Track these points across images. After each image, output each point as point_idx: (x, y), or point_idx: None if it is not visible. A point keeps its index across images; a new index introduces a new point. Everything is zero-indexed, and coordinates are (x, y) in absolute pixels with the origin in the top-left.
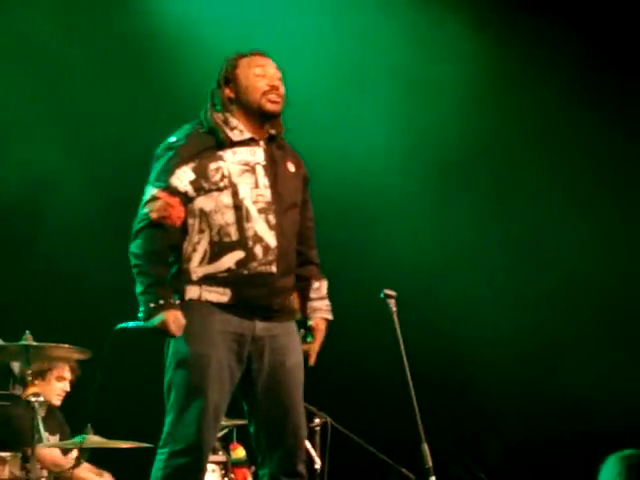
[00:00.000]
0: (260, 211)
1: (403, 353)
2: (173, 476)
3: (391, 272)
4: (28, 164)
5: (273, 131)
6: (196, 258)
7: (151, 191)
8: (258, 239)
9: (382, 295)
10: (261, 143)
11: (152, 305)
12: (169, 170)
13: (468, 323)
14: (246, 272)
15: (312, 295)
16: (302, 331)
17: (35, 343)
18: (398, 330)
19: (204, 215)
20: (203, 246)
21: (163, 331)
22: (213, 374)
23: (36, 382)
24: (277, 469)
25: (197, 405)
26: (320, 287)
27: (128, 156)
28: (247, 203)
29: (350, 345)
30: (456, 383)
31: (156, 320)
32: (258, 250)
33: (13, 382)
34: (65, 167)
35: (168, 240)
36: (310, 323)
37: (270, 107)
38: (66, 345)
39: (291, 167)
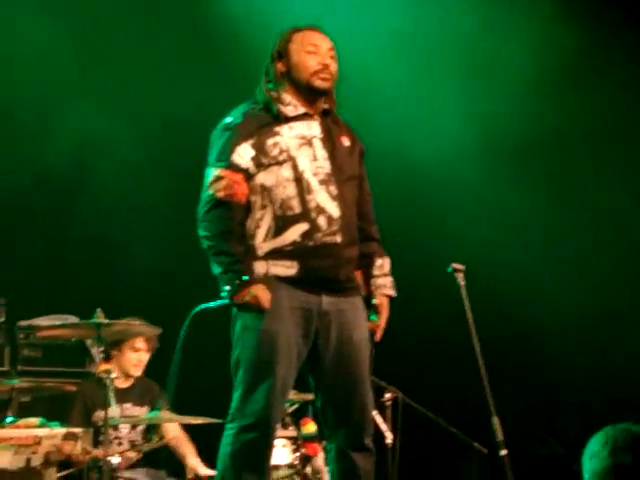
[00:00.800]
0: (321, 182)
1: (472, 326)
2: (241, 451)
3: (458, 247)
4: (77, 132)
5: (326, 106)
6: (260, 234)
7: (214, 172)
8: (321, 210)
9: (450, 269)
10: (316, 117)
11: (238, 282)
12: (229, 149)
13: (536, 296)
14: (311, 243)
15: (375, 272)
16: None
17: (106, 320)
18: (466, 303)
19: (265, 190)
20: (266, 221)
21: (253, 306)
22: (281, 349)
23: (112, 353)
24: (344, 443)
25: (265, 381)
26: (383, 264)
27: (178, 120)
28: (307, 175)
29: (419, 319)
30: (525, 355)
31: (246, 296)
32: (322, 221)
33: (89, 360)
34: (115, 134)
35: (238, 217)
36: (374, 301)
37: (319, 84)
38: (136, 322)
39: (346, 141)
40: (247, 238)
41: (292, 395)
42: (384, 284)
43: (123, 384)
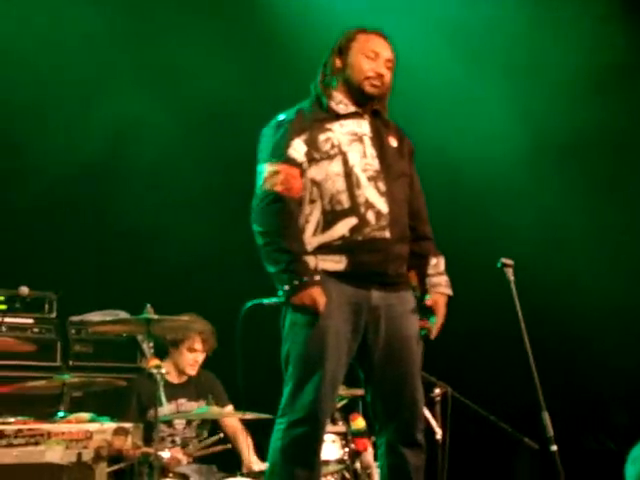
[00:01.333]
0: (370, 179)
1: (521, 321)
2: (292, 446)
3: (508, 243)
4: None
5: (377, 107)
6: (309, 229)
7: (269, 167)
8: (370, 205)
9: (499, 264)
10: (366, 116)
11: (296, 283)
12: (285, 143)
13: (584, 293)
14: (360, 238)
15: (430, 271)
16: (421, 307)
17: (156, 316)
18: (516, 299)
19: (315, 185)
20: (315, 216)
21: (310, 307)
22: (331, 344)
23: (170, 350)
24: (394, 438)
25: (315, 375)
26: (438, 263)
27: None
28: (357, 170)
29: (469, 314)
30: (575, 350)
31: (304, 298)
32: (370, 216)
33: (141, 356)
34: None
35: (296, 213)
36: (428, 299)
37: (369, 89)
38: (185, 317)
39: (393, 142)
40: None
41: (341, 390)
42: (439, 283)
43: (177, 379)
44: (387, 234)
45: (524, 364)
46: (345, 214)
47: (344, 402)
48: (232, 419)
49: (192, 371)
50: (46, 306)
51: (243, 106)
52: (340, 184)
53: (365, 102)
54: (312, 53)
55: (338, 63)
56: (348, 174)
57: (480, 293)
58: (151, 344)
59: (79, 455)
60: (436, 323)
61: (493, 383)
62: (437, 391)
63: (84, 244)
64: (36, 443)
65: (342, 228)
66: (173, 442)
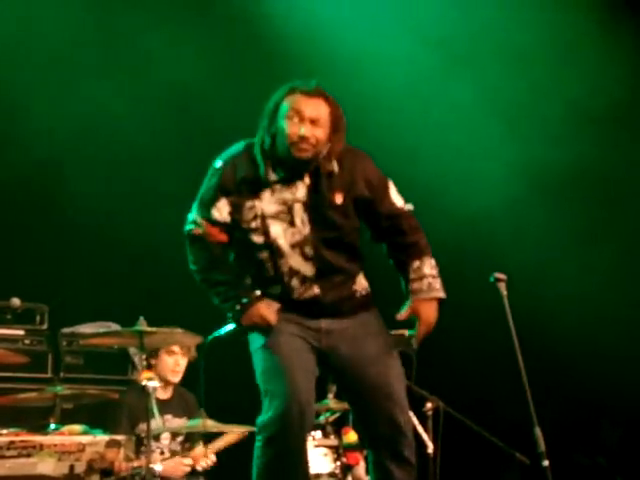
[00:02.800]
0: (294, 245)
1: (514, 336)
2: (270, 462)
3: (501, 259)
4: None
5: (317, 165)
6: (248, 278)
7: (194, 216)
8: (294, 272)
9: (492, 279)
10: (305, 177)
11: (238, 308)
12: (210, 201)
13: (579, 310)
14: (291, 298)
15: (411, 276)
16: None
17: (148, 328)
18: (508, 313)
19: (244, 248)
20: (249, 274)
21: (261, 324)
22: (286, 355)
23: (152, 362)
24: (379, 453)
25: (280, 391)
26: (420, 266)
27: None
28: (280, 242)
29: (462, 329)
30: (568, 366)
31: (252, 317)
32: (295, 282)
33: (132, 368)
34: None
35: (217, 247)
36: (400, 313)
37: (297, 154)
38: (179, 330)
39: (338, 198)
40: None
41: (332, 404)
42: (419, 288)
43: (163, 395)
44: (316, 291)
45: (516, 379)
46: (272, 281)
47: (336, 415)
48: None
49: (175, 377)
50: (37, 318)
51: (213, 98)
52: (265, 254)
53: (301, 166)
54: (282, 47)
55: (270, 124)
56: (269, 245)
57: (473, 307)
58: (143, 356)
59: (71, 467)
60: (418, 332)
61: (485, 398)
62: (429, 405)
63: (76, 256)
64: (28, 455)
65: (273, 291)
66: (162, 454)
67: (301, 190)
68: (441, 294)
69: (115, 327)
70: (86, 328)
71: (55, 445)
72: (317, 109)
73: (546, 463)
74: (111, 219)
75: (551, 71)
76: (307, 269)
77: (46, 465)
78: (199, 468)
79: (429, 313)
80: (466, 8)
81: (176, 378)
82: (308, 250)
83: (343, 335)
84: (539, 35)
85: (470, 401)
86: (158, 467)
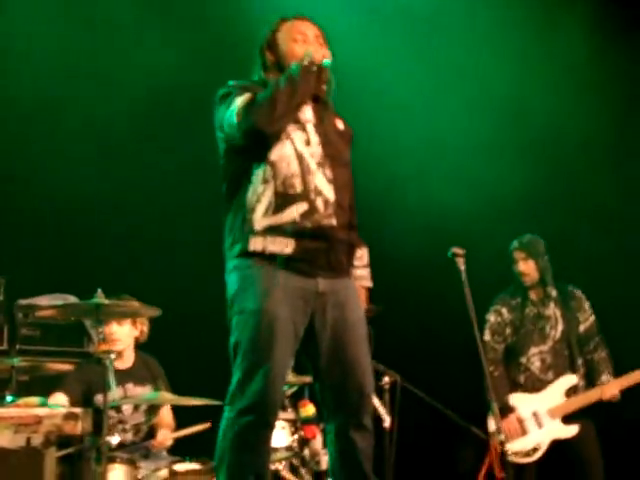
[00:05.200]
0: (318, 165)
1: (472, 311)
2: (240, 433)
3: (461, 233)
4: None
5: (324, 87)
6: (260, 209)
7: (237, 101)
8: (318, 192)
9: (450, 254)
10: (308, 102)
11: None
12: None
13: None
14: (309, 224)
15: (356, 263)
16: None
17: (106, 301)
18: (466, 288)
19: (269, 164)
20: (267, 196)
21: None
22: (279, 331)
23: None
24: (343, 423)
25: (263, 363)
26: (362, 255)
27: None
28: (306, 156)
29: (419, 303)
30: None
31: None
32: (319, 203)
33: (88, 341)
34: None
35: None
36: None
37: None
38: (136, 303)
39: (339, 124)
40: (246, 211)
41: (290, 377)
42: (362, 275)
43: (122, 365)
44: (334, 221)
45: (474, 354)
46: (297, 199)
47: (293, 389)
48: (167, 414)
49: (114, 347)
50: None
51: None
52: (294, 167)
53: None
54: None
55: (270, 57)
56: (300, 158)
57: (430, 282)
58: (100, 329)
59: (28, 440)
60: None
61: (443, 372)
62: (386, 379)
63: (33, 226)
64: None
65: (293, 212)
66: (124, 429)
67: (308, 112)
68: (372, 284)
69: (72, 299)
70: (43, 300)
71: (12, 417)
72: (316, 29)
73: (502, 437)
74: (70, 190)
75: None
76: (329, 192)
77: (3, 437)
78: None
79: (365, 299)
80: None
81: (115, 347)
82: (328, 172)
83: (333, 299)
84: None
85: (427, 375)
86: (115, 439)
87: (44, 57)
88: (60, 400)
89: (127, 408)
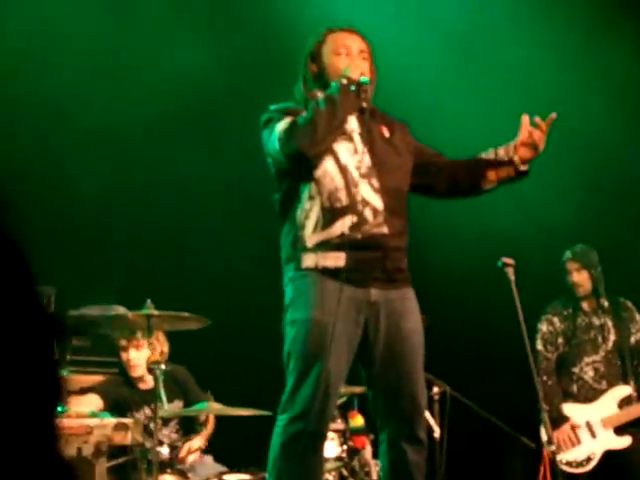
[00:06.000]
0: (363, 176)
1: (522, 321)
2: (291, 442)
3: (510, 242)
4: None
5: (364, 104)
6: (309, 225)
7: (280, 126)
8: (366, 203)
9: (500, 264)
10: (353, 113)
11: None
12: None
13: None
14: (360, 236)
15: (489, 156)
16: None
17: (156, 312)
18: (516, 298)
19: (313, 180)
20: (315, 212)
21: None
22: (330, 341)
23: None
24: (395, 434)
25: (314, 372)
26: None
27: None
28: (350, 168)
29: (469, 313)
30: None
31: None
32: (368, 213)
33: None
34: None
35: None
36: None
37: None
38: (186, 314)
39: (385, 132)
40: (297, 228)
41: None
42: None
43: (145, 386)
44: (385, 229)
45: (524, 364)
46: (344, 212)
47: (342, 400)
48: (211, 423)
49: (134, 373)
50: (44, 300)
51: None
52: (338, 181)
53: None
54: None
55: (314, 68)
56: (343, 171)
57: (481, 292)
58: (150, 340)
59: (79, 450)
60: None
61: (493, 382)
62: (436, 390)
63: (83, 239)
64: None
65: (342, 226)
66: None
67: (353, 122)
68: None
69: (122, 310)
70: (93, 311)
71: (62, 428)
72: (361, 43)
73: (552, 448)
74: (118, 202)
75: None
76: (377, 201)
77: None
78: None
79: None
80: None
81: (135, 373)
82: (374, 182)
83: (387, 309)
84: None
85: (477, 386)
86: (165, 450)
87: (73, 56)
88: (93, 400)
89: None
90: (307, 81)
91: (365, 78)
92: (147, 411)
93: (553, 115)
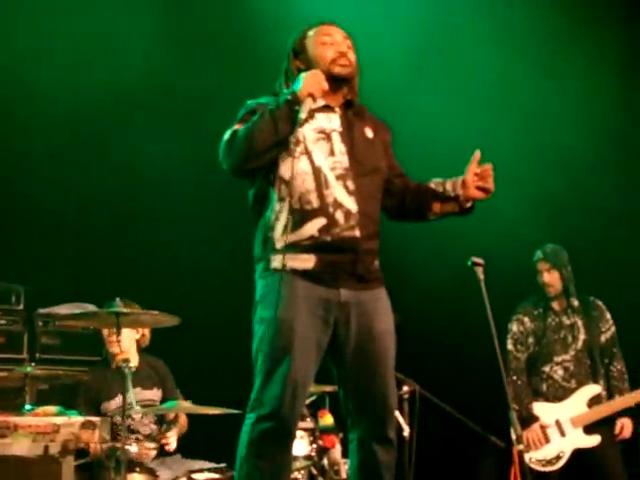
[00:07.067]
0: (338, 177)
1: (491, 321)
2: (260, 440)
3: (478, 241)
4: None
5: (348, 97)
6: (279, 227)
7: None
8: (338, 205)
9: (470, 263)
10: (337, 110)
11: (289, 96)
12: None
13: None
14: (329, 238)
15: (438, 188)
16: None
17: (125, 310)
18: (486, 298)
19: (284, 183)
20: (284, 214)
21: (317, 91)
22: (297, 339)
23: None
24: (365, 434)
25: (282, 370)
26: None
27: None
28: (325, 170)
29: (439, 312)
30: None
31: (307, 86)
32: (339, 216)
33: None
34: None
35: None
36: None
37: (339, 70)
38: (155, 312)
39: (369, 133)
40: (267, 229)
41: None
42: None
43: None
44: (357, 233)
45: (493, 363)
46: (314, 214)
47: (312, 398)
48: (183, 419)
49: (112, 348)
50: (13, 298)
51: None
52: (309, 183)
53: (337, 89)
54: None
55: (299, 64)
56: (316, 173)
57: (449, 292)
58: (120, 338)
59: (46, 448)
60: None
61: (462, 381)
62: (405, 389)
63: (53, 236)
64: (3, 435)
65: (311, 228)
66: (138, 439)
67: (335, 120)
68: None
69: (91, 308)
70: (62, 309)
71: (30, 426)
72: (346, 34)
73: (521, 447)
74: (88, 201)
75: None
76: (350, 204)
77: (21, 446)
78: (170, 448)
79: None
80: None
81: (112, 349)
82: (350, 184)
83: (358, 309)
84: None
85: (447, 385)
86: (133, 448)
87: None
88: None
89: (136, 414)
90: (289, 77)
91: (301, 115)
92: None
93: (477, 154)
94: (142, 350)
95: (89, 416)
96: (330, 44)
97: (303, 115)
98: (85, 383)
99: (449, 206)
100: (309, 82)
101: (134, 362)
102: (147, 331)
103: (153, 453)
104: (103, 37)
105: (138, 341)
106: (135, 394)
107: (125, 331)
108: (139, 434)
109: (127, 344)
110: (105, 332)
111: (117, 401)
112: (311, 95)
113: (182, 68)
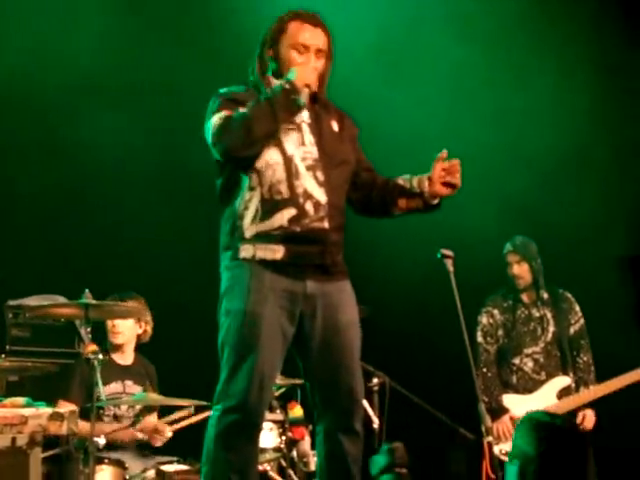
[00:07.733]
0: (308, 168)
1: (460, 313)
2: (226, 433)
3: (451, 235)
4: None
5: (315, 90)
6: (248, 216)
7: (216, 116)
8: (308, 196)
9: (439, 255)
10: (292, 118)
11: (286, 85)
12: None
13: None
14: (299, 229)
15: (405, 183)
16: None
17: (94, 301)
18: (455, 290)
19: (255, 172)
20: (254, 203)
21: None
22: (264, 332)
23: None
24: (332, 425)
25: (248, 363)
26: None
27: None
28: (296, 160)
29: (408, 305)
30: None
31: (303, 78)
32: (309, 207)
33: (79, 341)
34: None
35: None
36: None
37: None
38: (127, 303)
39: (335, 126)
40: (236, 218)
41: (279, 379)
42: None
43: (123, 361)
44: (326, 224)
45: (462, 355)
46: (284, 204)
47: (282, 390)
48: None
49: (115, 339)
50: None
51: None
52: (280, 173)
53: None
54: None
55: (271, 53)
56: (287, 163)
57: (419, 284)
58: (89, 329)
59: (13, 440)
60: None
61: (432, 373)
62: (375, 381)
63: (23, 228)
64: None
65: (281, 218)
66: (117, 419)
67: (304, 112)
68: None
69: (61, 300)
70: (32, 301)
71: None
72: (320, 39)
73: (490, 439)
74: (58, 191)
75: None
76: (320, 195)
77: None
78: (159, 444)
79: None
80: None
81: (117, 340)
82: (320, 174)
83: (324, 301)
84: None
85: (416, 377)
86: (101, 440)
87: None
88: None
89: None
90: (262, 64)
91: (301, 100)
92: (119, 387)
93: (444, 153)
94: (140, 349)
95: (77, 399)
96: (301, 54)
97: (303, 102)
98: (81, 366)
99: (414, 202)
100: (304, 73)
101: (130, 356)
102: (149, 327)
103: (136, 435)
104: (54, 22)
105: (139, 336)
106: (126, 386)
107: (127, 325)
108: (123, 421)
109: (129, 335)
110: (109, 324)
111: (111, 387)
112: (308, 86)
113: (135, 53)
